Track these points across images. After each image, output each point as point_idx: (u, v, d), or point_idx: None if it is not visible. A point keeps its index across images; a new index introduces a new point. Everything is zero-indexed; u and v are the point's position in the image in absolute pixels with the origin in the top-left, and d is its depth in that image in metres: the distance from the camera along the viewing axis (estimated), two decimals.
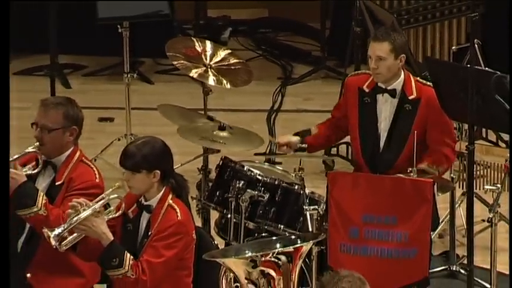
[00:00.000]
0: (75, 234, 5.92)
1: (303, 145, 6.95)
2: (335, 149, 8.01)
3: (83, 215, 5.89)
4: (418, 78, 6.97)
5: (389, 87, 6.88)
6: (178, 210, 5.98)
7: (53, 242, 5.87)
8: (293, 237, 5.60)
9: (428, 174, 6.73)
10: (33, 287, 6.22)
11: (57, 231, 5.88)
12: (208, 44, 7.52)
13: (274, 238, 5.67)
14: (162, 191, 6.02)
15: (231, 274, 5.44)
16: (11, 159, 6.12)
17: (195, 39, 7.64)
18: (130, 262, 5.89)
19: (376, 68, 6.82)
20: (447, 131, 6.87)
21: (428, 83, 6.86)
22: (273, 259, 5.29)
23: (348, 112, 7.01)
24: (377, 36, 6.90)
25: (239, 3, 10.30)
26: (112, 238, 5.92)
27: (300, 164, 6.74)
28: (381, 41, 6.82)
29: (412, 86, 6.89)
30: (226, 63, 7.46)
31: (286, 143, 6.99)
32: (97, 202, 5.96)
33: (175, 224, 5.95)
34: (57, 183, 6.23)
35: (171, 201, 6.01)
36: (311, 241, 5.57)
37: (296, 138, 7.00)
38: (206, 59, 7.42)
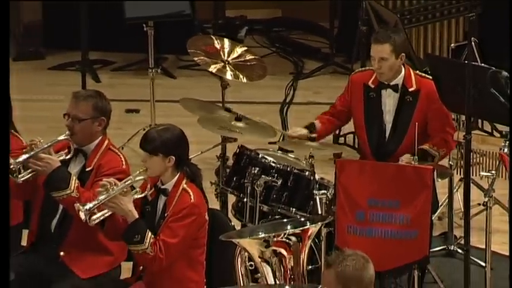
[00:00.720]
0: (103, 211, 5.95)
1: (313, 135, 6.98)
2: (342, 138, 8.04)
3: (112, 193, 5.93)
4: (417, 71, 6.99)
5: (392, 83, 6.91)
6: (191, 194, 6.01)
7: (83, 216, 5.90)
8: (303, 219, 5.65)
9: (430, 154, 6.77)
10: (66, 264, 6.21)
11: (88, 205, 5.91)
12: (226, 41, 7.55)
13: (285, 220, 5.72)
14: (177, 176, 6.04)
15: (246, 253, 5.43)
16: (45, 145, 6.16)
17: (214, 37, 7.67)
18: (151, 240, 5.92)
19: (379, 68, 6.84)
20: (446, 121, 6.90)
21: (426, 76, 6.90)
22: (284, 239, 5.32)
23: (353, 106, 7.03)
24: (378, 38, 6.89)
25: (255, 4, 10.30)
26: (137, 216, 5.96)
27: (310, 152, 6.76)
28: (382, 43, 6.83)
29: (412, 79, 6.92)
30: (243, 59, 7.49)
31: (296, 137, 7.01)
32: (125, 182, 5.98)
33: (189, 206, 5.98)
34: (87, 169, 6.24)
35: (185, 186, 6.03)
36: (319, 223, 5.63)
37: (305, 131, 7.01)
38: (224, 55, 7.46)
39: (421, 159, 6.68)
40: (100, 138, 6.29)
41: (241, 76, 7.42)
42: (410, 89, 6.91)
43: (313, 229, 5.40)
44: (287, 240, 5.32)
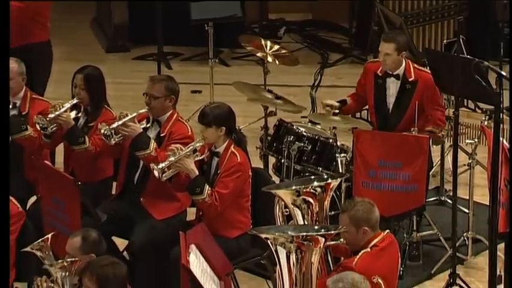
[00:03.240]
0: (172, 169, 5.99)
1: (336, 111, 6.96)
2: (359, 114, 8.05)
3: (179, 156, 5.97)
4: (415, 64, 6.95)
5: (394, 73, 6.89)
6: (238, 155, 6.01)
7: (157, 173, 5.93)
8: (325, 176, 5.62)
9: (435, 132, 6.76)
10: (146, 208, 6.24)
11: (161, 165, 5.94)
12: (267, 41, 7.54)
13: (313, 177, 5.69)
14: (227, 142, 6.04)
15: (282, 202, 5.41)
16: (130, 116, 6.19)
17: (259, 36, 7.75)
18: (208, 192, 5.93)
19: (384, 60, 6.84)
20: (438, 102, 6.89)
21: (424, 69, 6.87)
22: (311, 191, 5.31)
23: (366, 89, 7.01)
24: (385, 38, 6.87)
25: (291, 8, 10.30)
26: (197, 173, 5.97)
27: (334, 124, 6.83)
28: (388, 42, 6.81)
29: (411, 71, 6.88)
30: (279, 52, 7.48)
31: (329, 105, 6.97)
32: (188, 148, 6.01)
33: (236, 165, 5.98)
34: (161, 135, 6.27)
35: (233, 149, 6.03)
36: (339, 179, 5.61)
37: (337, 104, 6.98)
38: (266, 49, 7.46)
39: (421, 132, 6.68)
40: (171, 111, 6.30)
41: (278, 64, 7.44)
42: (409, 79, 6.85)
43: (334, 183, 5.38)
44: (314, 191, 5.31)
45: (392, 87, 6.91)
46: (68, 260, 5.16)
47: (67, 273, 5.06)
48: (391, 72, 6.90)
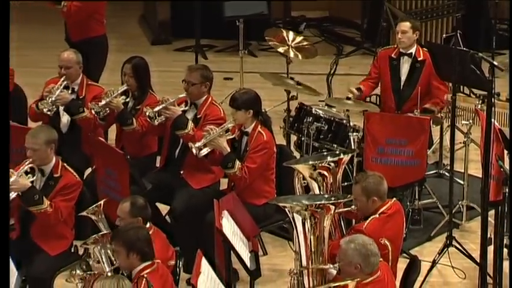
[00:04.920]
0: (207, 147, 5.98)
1: (350, 95, 6.93)
2: (369, 98, 8.01)
3: (213, 135, 5.95)
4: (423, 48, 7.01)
5: (408, 52, 6.92)
6: (264, 134, 5.99)
7: (194, 151, 5.95)
8: (338, 152, 5.60)
9: (430, 110, 6.75)
10: (185, 180, 6.23)
11: (197, 144, 5.95)
12: (290, 33, 7.49)
13: (327, 153, 5.69)
14: (254, 123, 6.02)
15: (301, 174, 5.39)
16: (172, 100, 6.18)
17: (282, 30, 7.62)
18: (239, 166, 5.92)
19: (401, 38, 6.88)
20: (441, 82, 6.86)
21: None
22: (326, 165, 5.29)
23: (381, 71, 7.01)
24: (402, 18, 7.06)
25: (311, 6, 10.26)
26: (229, 150, 5.96)
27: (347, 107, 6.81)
28: (405, 21, 6.93)
29: (421, 51, 6.93)
30: (301, 44, 7.42)
31: (352, 91, 6.98)
32: (221, 128, 6.00)
33: (262, 143, 5.97)
34: (198, 116, 6.25)
35: (260, 129, 6.01)
36: (349, 154, 5.57)
37: (358, 93, 6.98)
38: (288, 41, 7.40)
39: (425, 113, 6.66)
40: (206, 96, 6.28)
41: (300, 55, 7.37)
42: (419, 59, 6.90)
43: (345, 158, 5.35)
44: (328, 166, 5.28)
45: (405, 66, 6.94)
46: (99, 234, 5.16)
47: (101, 245, 5.07)
48: (404, 52, 6.93)
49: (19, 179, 5.46)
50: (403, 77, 6.93)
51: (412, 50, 6.91)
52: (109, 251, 5.05)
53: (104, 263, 5.03)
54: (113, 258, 5.06)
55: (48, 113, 6.35)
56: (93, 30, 7.43)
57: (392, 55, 6.96)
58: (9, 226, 4.78)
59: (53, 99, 6.34)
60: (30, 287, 5.56)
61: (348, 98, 6.86)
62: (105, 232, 5.20)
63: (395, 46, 7.00)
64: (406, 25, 6.87)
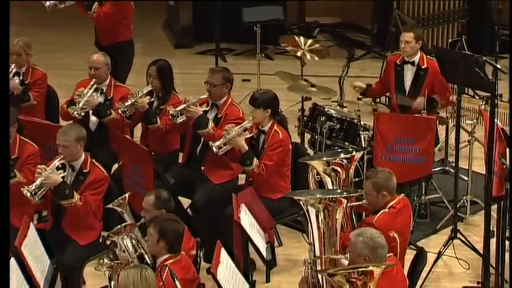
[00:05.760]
0: (227, 146, 5.98)
1: (360, 95, 6.89)
2: (378, 99, 7.98)
3: (232, 134, 5.95)
4: (428, 56, 6.92)
5: (411, 60, 6.85)
6: (280, 133, 5.99)
7: (215, 149, 5.95)
8: (350, 149, 5.59)
9: (435, 100, 6.71)
10: (206, 175, 6.23)
11: (217, 143, 5.95)
12: (304, 37, 7.48)
13: (340, 150, 5.65)
14: (271, 122, 6.01)
15: (315, 170, 5.37)
16: (193, 100, 6.17)
17: (297, 35, 7.62)
18: (256, 163, 5.91)
19: (404, 47, 6.80)
20: (446, 86, 6.79)
21: (433, 59, 6.78)
22: (339, 161, 5.26)
23: (389, 76, 6.95)
24: (406, 28, 6.89)
25: (324, 13, 10.22)
26: (247, 148, 5.95)
27: (358, 107, 6.76)
28: (408, 31, 6.81)
29: (424, 60, 6.84)
30: (314, 48, 7.40)
31: (357, 86, 6.95)
32: (240, 127, 5.99)
33: (278, 141, 5.96)
34: (218, 116, 6.24)
35: (276, 128, 6.01)
36: (361, 152, 5.57)
37: (364, 86, 6.95)
38: (302, 45, 7.38)
39: (429, 102, 6.62)
40: (226, 96, 6.28)
41: (314, 58, 7.35)
42: (422, 67, 6.81)
43: (357, 155, 5.33)
44: (341, 162, 5.26)
45: (409, 73, 6.87)
46: (122, 225, 5.16)
47: (124, 235, 5.08)
48: (408, 60, 6.85)
49: (51, 174, 5.47)
50: (408, 83, 6.86)
51: (416, 59, 6.82)
52: (133, 241, 5.06)
53: (128, 251, 5.04)
54: (136, 247, 5.06)
55: (77, 116, 6.36)
56: (120, 35, 7.46)
57: (397, 61, 6.90)
58: (9, 226, 4.73)
59: (82, 104, 6.36)
60: (62, 275, 5.58)
61: (359, 99, 6.82)
62: (127, 223, 5.21)
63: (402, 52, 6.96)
64: (409, 35, 6.76)
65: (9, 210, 4.74)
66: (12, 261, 4.88)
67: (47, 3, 7.14)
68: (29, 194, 5.40)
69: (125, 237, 5.05)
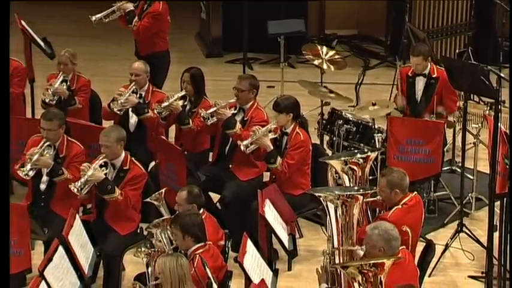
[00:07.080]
0: (253, 145, 5.96)
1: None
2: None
3: (258, 135, 5.94)
4: (437, 65, 6.85)
5: (422, 73, 6.78)
6: (301, 134, 5.97)
7: (242, 148, 5.93)
8: (366, 150, 5.58)
9: (441, 114, 6.65)
10: (234, 173, 6.21)
11: (245, 142, 5.95)
12: (324, 48, 7.43)
13: (356, 150, 5.64)
14: (293, 125, 6.00)
15: (333, 169, 5.35)
16: (223, 104, 6.15)
17: (317, 45, 7.57)
18: (280, 162, 5.90)
19: (415, 66, 6.72)
20: (453, 93, 6.72)
21: (442, 68, 6.70)
22: (356, 161, 5.24)
23: (402, 86, 6.89)
24: (413, 52, 6.74)
25: (342, 25, 10.17)
26: (272, 148, 5.94)
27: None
28: (416, 56, 6.70)
29: (434, 69, 6.77)
30: (333, 57, 7.36)
31: (401, 105, 6.83)
32: (265, 128, 5.97)
33: (300, 142, 5.95)
34: (245, 119, 6.24)
35: (298, 130, 6.00)
36: (376, 152, 5.53)
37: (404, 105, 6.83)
38: (322, 55, 7.35)
39: (437, 116, 6.58)
40: (253, 101, 6.27)
41: (332, 67, 7.31)
42: (433, 76, 6.75)
43: (372, 155, 5.31)
44: (357, 161, 5.24)
45: (420, 83, 6.81)
46: (160, 219, 5.17)
47: (162, 228, 5.09)
48: (419, 73, 6.80)
49: (95, 171, 5.50)
50: (419, 93, 6.79)
51: (426, 71, 6.75)
52: (169, 233, 5.07)
53: (164, 243, 5.05)
54: (172, 239, 5.07)
55: (118, 112, 6.40)
56: (158, 46, 7.50)
57: (409, 73, 6.83)
58: (9, 225, 4.58)
59: (122, 101, 6.41)
60: (104, 262, 5.61)
61: (374, 104, 6.77)
62: (166, 217, 5.23)
63: None
64: (418, 59, 6.66)
65: (9, 210, 4.49)
66: (60, 249, 4.92)
67: (93, 17, 7.18)
68: (75, 190, 5.44)
69: (162, 230, 5.06)
